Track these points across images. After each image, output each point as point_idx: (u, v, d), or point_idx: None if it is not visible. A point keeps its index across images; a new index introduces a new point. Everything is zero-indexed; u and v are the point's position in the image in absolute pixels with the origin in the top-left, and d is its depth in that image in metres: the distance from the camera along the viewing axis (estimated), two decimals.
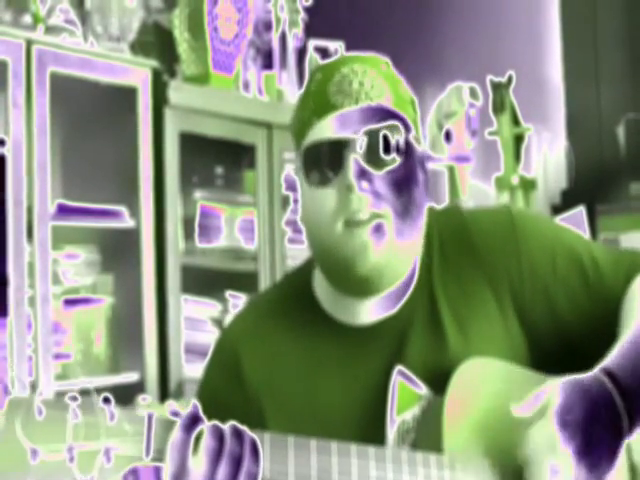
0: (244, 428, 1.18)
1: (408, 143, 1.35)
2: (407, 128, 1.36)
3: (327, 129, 1.32)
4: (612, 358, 1.29)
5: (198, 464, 1.15)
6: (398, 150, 1.33)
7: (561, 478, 1.20)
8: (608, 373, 1.26)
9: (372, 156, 1.31)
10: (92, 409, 1.14)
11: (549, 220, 1.52)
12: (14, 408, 1.12)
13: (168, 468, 1.15)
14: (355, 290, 1.36)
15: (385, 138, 1.32)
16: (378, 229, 1.30)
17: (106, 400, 1.15)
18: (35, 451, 1.11)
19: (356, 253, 1.30)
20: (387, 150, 1.32)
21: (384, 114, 1.33)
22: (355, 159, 1.30)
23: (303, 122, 1.35)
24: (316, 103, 1.33)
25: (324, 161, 1.32)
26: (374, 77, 1.34)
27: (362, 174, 1.30)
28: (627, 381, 1.26)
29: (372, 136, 1.31)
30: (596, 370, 1.27)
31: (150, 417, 1.16)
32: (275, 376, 1.39)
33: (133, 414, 1.16)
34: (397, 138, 1.33)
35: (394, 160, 1.33)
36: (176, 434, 1.15)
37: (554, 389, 1.23)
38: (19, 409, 1.12)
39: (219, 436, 1.15)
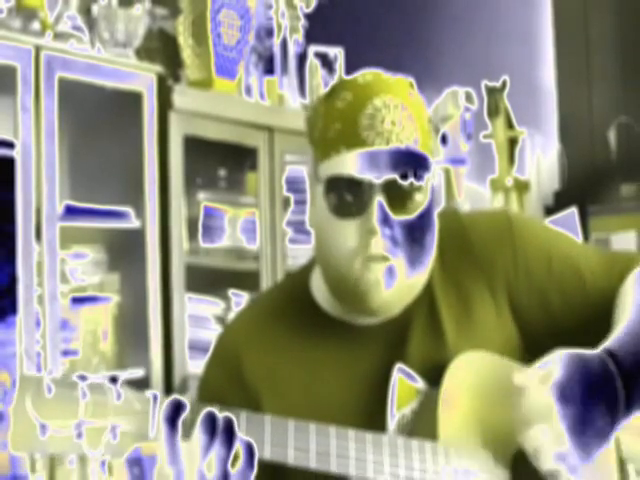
0: (237, 432, 1.19)
1: (430, 187, 1.34)
2: (430, 169, 1.34)
3: (354, 165, 1.29)
4: (616, 340, 1.28)
5: (191, 453, 1.17)
6: (421, 197, 1.32)
7: (550, 446, 1.20)
8: (612, 355, 1.25)
9: (396, 202, 1.30)
10: (100, 388, 1.16)
11: (545, 224, 1.53)
12: (25, 385, 1.14)
13: (161, 456, 1.18)
14: (363, 314, 1.37)
15: (411, 186, 1.30)
16: (390, 271, 1.30)
17: (113, 380, 1.17)
18: (44, 426, 1.13)
19: (369, 289, 1.30)
20: (411, 197, 1.31)
21: (412, 158, 1.31)
22: (380, 203, 1.29)
23: (328, 141, 1.32)
24: (344, 130, 1.30)
25: (348, 196, 1.30)
26: (405, 115, 1.30)
27: (385, 220, 1.29)
28: (628, 365, 1.25)
29: (399, 183, 1.30)
30: (601, 350, 1.26)
31: (156, 396, 1.19)
32: (275, 375, 1.39)
33: (139, 394, 1.18)
34: (422, 184, 1.31)
35: (416, 208, 1.32)
36: (162, 426, 1.17)
37: (558, 361, 1.23)
38: (30, 386, 1.14)
39: (211, 430, 1.17)
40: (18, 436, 1.13)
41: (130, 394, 1.17)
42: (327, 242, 1.34)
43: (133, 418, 1.17)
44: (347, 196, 1.30)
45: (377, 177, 1.29)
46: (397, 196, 1.30)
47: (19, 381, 1.15)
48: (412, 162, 1.31)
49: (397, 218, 1.30)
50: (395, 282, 1.31)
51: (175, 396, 1.21)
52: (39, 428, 1.13)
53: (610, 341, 1.28)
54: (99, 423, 1.15)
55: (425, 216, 1.33)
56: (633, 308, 1.33)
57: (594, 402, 1.21)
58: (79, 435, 1.14)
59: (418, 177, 1.31)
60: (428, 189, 1.33)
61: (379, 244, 1.29)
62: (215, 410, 1.19)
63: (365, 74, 1.35)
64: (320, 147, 1.34)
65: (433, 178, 1.35)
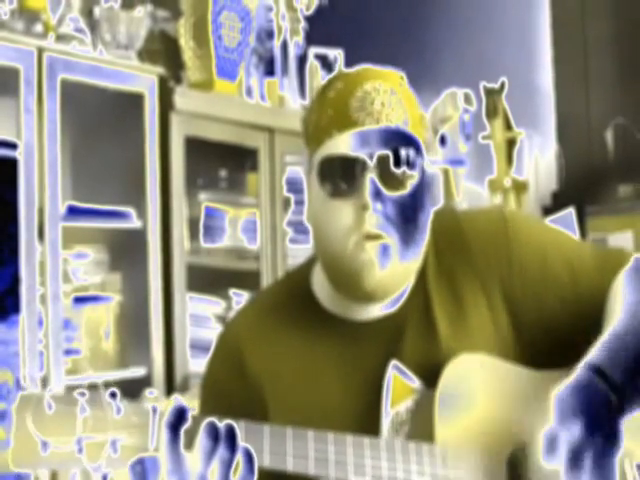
0: (238, 438, 1.18)
1: (421, 168, 1.35)
2: (420, 152, 1.36)
3: (346, 144, 1.31)
4: (603, 354, 1.28)
5: (194, 461, 1.16)
6: (412, 175, 1.33)
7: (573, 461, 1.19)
8: (600, 372, 1.25)
9: (387, 178, 1.31)
10: (100, 403, 1.16)
11: (540, 221, 1.53)
12: (25, 403, 1.14)
13: (164, 464, 1.17)
14: (359, 299, 1.37)
15: (401, 162, 1.32)
16: (384, 250, 1.31)
17: (113, 395, 1.17)
18: (45, 443, 1.14)
19: (364, 269, 1.31)
20: (402, 174, 1.32)
21: (402, 137, 1.33)
22: (372, 179, 1.30)
23: (321, 129, 1.34)
24: (336, 114, 1.32)
25: (341, 175, 1.31)
26: (395, 98, 1.33)
27: (377, 195, 1.30)
28: (617, 378, 1.26)
29: (390, 159, 1.31)
30: (586, 369, 1.26)
31: (155, 409, 1.18)
32: (276, 368, 1.39)
33: (139, 407, 1.18)
34: (412, 163, 1.33)
35: (407, 185, 1.33)
36: (164, 432, 1.16)
37: (551, 403, 1.22)
38: (30, 404, 1.14)
39: (214, 436, 1.16)
40: (20, 453, 1.14)
41: (129, 408, 1.17)
42: (322, 226, 1.35)
43: (133, 431, 1.16)
44: (340, 175, 1.32)
45: (368, 155, 1.31)
46: (388, 173, 1.31)
47: (19, 399, 1.15)
48: (402, 141, 1.33)
49: (389, 194, 1.31)
50: (389, 263, 1.31)
51: (178, 403, 1.20)
52: (40, 445, 1.13)
53: (596, 356, 1.28)
54: (99, 438, 1.15)
55: (417, 194, 1.34)
56: (620, 314, 1.34)
57: (597, 424, 1.21)
58: (80, 450, 1.14)
59: (408, 155, 1.32)
60: (419, 168, 1.34)
61: (372, 220, 1.30)
62: (216, 420, 1.18)
63: (357, 68, 1.38)
64: (314, 137, 1.35)
65: (423, 160, 1.36)
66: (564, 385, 1.24)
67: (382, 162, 1.31)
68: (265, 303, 1.47)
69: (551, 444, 1.19)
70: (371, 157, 1.31)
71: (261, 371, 1.39)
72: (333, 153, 1.32)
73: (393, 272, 1.32)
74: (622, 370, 1.27)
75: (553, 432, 1.20)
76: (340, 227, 1.32)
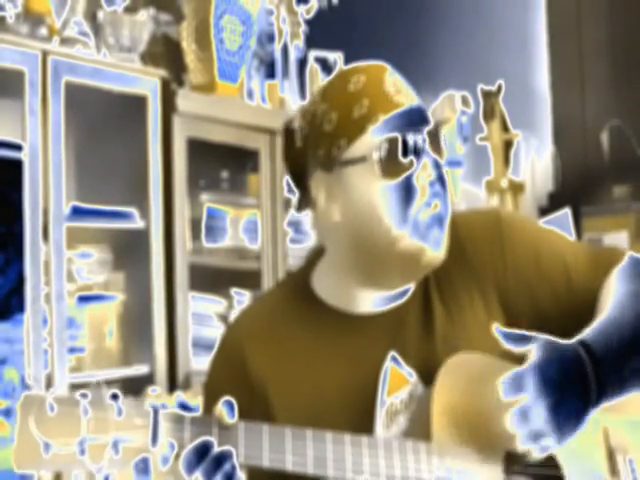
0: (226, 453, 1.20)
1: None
2: None
3: (399, 123, 1.33)
4: (589, 332, 1.31)
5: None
6: (444, 145, 1.38)
7: (526, 426, 1.22)
8: (584, 344, 1.28)
9: (436, 149, 1.35)
10: (101, 405, 1.16)
11: (534, 222, 1.54)
12: (28, 405, 1.14)
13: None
14: (394, 281, 1.38)
15: (440, 134, 1.37)
16: (440, 221, 1.34)
17: (114, 397, 1.16)
18: (48, 445, 1.13)
19: (429, 245, 1.33)
20: (442, 144, 1.37)
21: (426, 113, 1.39)
22: (428, 152, 1.34)
23: (359, 120, 1.33)
24: (376, 101, 1.34)
25: (401, 154, 1.33)
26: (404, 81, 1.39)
27: (436, 165, 1.34)
28: (599, 353, 1.28)
29: (436, 132, 1.36)
30: (573, 340, 1.29)
31: (156, 410, 1.18)
32: (279, 369, 1.39)
33: (140, 408, 1.18)
34: (444, 135, 1.38)
35: (444, 155, 1.37)
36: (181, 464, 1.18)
37: (535, 346, 1.26)
38: (32, 406, 1.13)
39: (201, 453, 1.18)
40: (22, 455, 1.13)
41: (131, 409, 1.17)
42: (376, 213, 1.33)
43: (135, 432, 1.16)
44: (399, 155, 1.32)
45: (419, 130, 1.34)
46: (437, 145, 1.36)
47: (22, 401, 1.15)
48: (428, 116, 1.38)
49: (440, 164, 1.36)
50: (444, 234, 1.34)
51: (205, 439, 1.20)
52: (43, 446, 1.13)
53: (584, 333, 1.31)
54: (101, 439, 1.15)
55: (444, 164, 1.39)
56: (611, 303, 1.36)
57: (568, 387, 1.24)
58: (82, 452, 1.14)
59: (440, 126, 1.39)
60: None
61: (435, 188, 1.33)
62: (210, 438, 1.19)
63: (357, 65, 1.41)
64: (344, 131, 1.34)
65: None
66: (549, 341, 1.28)
67: (430, 134, 1.35)
68: (266, 304, 1.47)
69: (515, 382, 1.22)
70: (423, 131, 1.34)
71: (264, 372, 1.39)
72: (389, 135, 1.33)
73: (444, 244, 1.35)
74: (606, 348, 1.29)
75: (519, 373, 1.23)
76: (401, 205, 1.32)
